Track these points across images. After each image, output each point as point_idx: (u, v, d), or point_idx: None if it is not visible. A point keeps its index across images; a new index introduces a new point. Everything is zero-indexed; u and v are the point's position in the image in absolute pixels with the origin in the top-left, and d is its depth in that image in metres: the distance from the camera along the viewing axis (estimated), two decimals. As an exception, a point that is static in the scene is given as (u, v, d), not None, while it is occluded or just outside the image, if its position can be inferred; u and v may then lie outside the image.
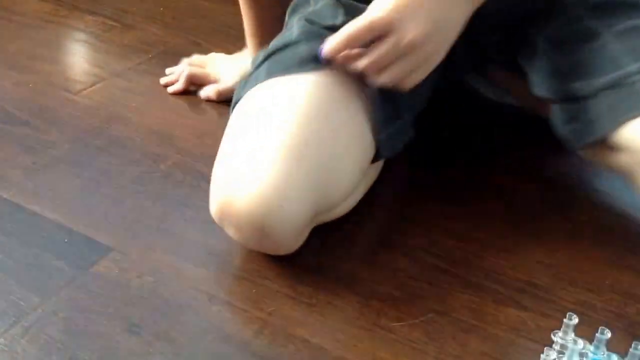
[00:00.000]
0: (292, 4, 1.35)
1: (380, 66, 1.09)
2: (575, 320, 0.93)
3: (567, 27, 1.20)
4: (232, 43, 1.75)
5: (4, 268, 1.12)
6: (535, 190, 1.31)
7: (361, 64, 1.10)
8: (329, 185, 1.10)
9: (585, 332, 1.00)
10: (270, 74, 1.15)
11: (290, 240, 1.10)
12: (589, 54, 1.16)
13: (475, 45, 1.32)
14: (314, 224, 1.15)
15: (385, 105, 1.16)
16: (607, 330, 0.92)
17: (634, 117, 1.08)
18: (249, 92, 1.16)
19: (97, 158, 1.37)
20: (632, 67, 1.10)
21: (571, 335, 0.94)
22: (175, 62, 1.68)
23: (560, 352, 0.94)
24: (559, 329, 0.95)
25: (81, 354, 0.99)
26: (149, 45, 1.76)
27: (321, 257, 1.17)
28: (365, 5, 1.21)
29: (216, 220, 1.12)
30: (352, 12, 1.22)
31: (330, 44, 1.10)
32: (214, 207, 1.10)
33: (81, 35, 1.81)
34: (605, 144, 1.14)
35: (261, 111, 1.12)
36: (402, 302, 1.09)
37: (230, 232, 1.11)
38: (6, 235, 1.18)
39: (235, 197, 1.06)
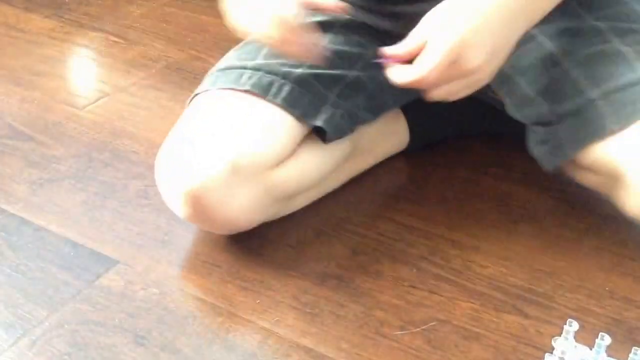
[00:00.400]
0: None
1: (438, 85, 1.09)
2: (576, 326, 0.93)
3: (529, 55, 1.20)
4: (233, 57, 1.76)
5: (11, 282, 1.13)
6: (535, 199, 1.31)
7: (419, 82, 1.08)
8: (241, 149, 1.13)
9: (586, 338, 0.99)
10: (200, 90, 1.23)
11: (220, 199, 1.12)
12: (551, 81, 1.17)
13: None
14: (262, 192, 1.15)
15: (299, 97, 1.18)
16: (607, 336, 0.91)
17: (596, 141, 1.11)
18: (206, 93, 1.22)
19: (102, 172, 1.37)
20: (593, 93, 1.11)
21: (571, 341, 0.94)
22: (177, 76, 1.69)
23: (561, 358, 0.93)
24: (560, 336, 0.94)
25: (88, 366, 1.00)
26: (151, 61, 1.76)
27: (324, 267, 1.17)
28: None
29: (164, 198, 1.18)
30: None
31: (404, 79, 1.08)
32: (161, 187, 1.17)
33: (85, 52, 1.82)
34: (575, 165, 1.17)
35: (193, 110, 1.20)
36: (404, 311, 1.09)
37: (178, 213, 1.16)
38: (13, 250, 1.19)
39: (166, 171, 1.15)
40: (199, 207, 1.12)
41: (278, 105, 1.16)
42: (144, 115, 1.55)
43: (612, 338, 0.92)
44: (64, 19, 1.94)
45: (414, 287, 1.14)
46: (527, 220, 1.27)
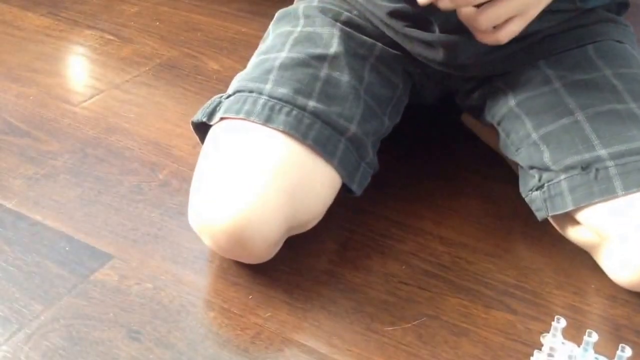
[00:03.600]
0: (278, 14, 1.33)
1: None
2: (563, 323, 0.92)
3: (542, 99, 1.18)
4: (225, 55, 1.75)
5: (7, 276, 1.11)
6: (522, 197, 1.29)
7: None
8: (299, 210, 1.09)
9: (574, 334, 0.99)
10: (248, 114, 1.12)
11: (265, 252, 1.09)
12: (560, 130, 1.14)
13: (446, 89, 1.33)
14: (287, 236, 1.14)
15: (349, 158, 1.14)
16: (594, 332, 0.91)
17: (602, 201, 1.07)
18: (227, 121, 1.14)
19: (96, 168, 1.35)
20: (602, 152, 1.08)
21: (559, 338, 0.93)
22: (170, 74, 1.67)
23: (549, 355, 0.92)
24: (548, 332, 0.93)
25: (83, 360, 0.98)
26: (145, 58, 1.75)
27: (315, 263, 1.16)
28: (360, 36, 1.20)
29: (195, 230, 1.11)
30: (347, 41, 1.21)
31: None
32: (195, 222, 1.09)
33: (80, 49, 1.80)
34: (568, 217, 1.14)
35: (239, 146, 1.10)
36: (394, 307, 1.08)
37: (206, 241, 1.10)
38: (8, 244, 1.17)
39: (216, 213, 1.05)
40: (239, 253, 1.08)
41: (332, 166, 1.12)
42: (138, 112, 1.53)
43: (599, 335, 0.91)
44: (59, 17, 1.94)
45: (403, 283, 1.12)
46: (514, 218, 1.25)
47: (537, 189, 1.15)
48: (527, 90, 1.20)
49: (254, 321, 1.05)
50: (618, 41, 1.23)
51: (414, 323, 1.05)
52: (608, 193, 1.06)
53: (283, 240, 1.12)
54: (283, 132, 1.09)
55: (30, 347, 0.99)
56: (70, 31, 1.87)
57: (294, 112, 1.11)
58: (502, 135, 1.24)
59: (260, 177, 1.05)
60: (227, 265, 1.14)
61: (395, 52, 1.26)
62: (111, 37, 1.84)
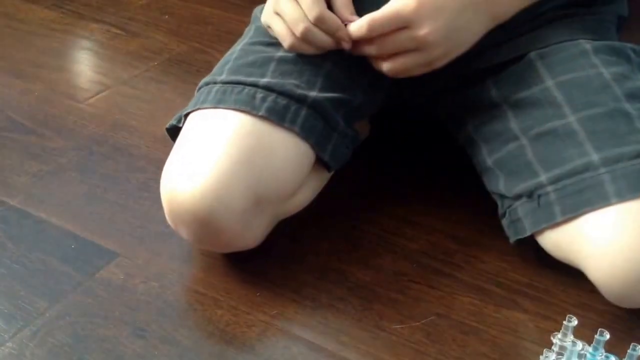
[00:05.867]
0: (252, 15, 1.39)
1: (390, 54, 1.16)
2: (575, 322, 0.95)
3: (491, 125, 1.23)
4: (236, 50, 1.78)
5: (12, 273, 1.16)
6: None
7: (373, 49, 1.17)
8: (263, 177, 1.12)
9: (585, 333, 1.02)
10: (203, 102, 1.19)
11: (238, 231, 1.12)
12: (509, 156, 1.19)
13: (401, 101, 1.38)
14: (272, 220, 1.18)
15: (314, 125, 1.18)
16: (606, 331, 0.94)
17: (548, 228, 1.13)
18: (188, 117, 1.20)
19: (102, 165, 1.40)
20: (543, 177, 1.13)
21: (570, 337, 0.96)
22: (180, 69, 1.72)
23: (560, 354, 0.96)
24: (559, 331, 0.97)
25: (88, 358, 1.03)
26: (153, 53, 1.79)
27: (324, 261, 1.21)
28: None
29: (170, 224, 1.15)
30: None
31: (352, 28, 1.15)
32: (168, 217, 1.14)
33: (86, 43, 1.85)
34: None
35: (192, 132, 1.16)
36: (403, 305, 1.13)
37: (183, 233, 1.14)
38: (14, 242, 1.22)
39: (178, 193, 1.10)
40: (212, 235, 1.12)
41: (295, 132, 1.16)
42: (146, 108, 1.58)
43: (611, 334, 0.95)
44: (64, 10, 1.98)
45: (414, 281, 1.17)
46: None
47: (502, 216, 1.22)
48: (479, 114, 1.26)
49: (261, 318, 1.10)
50: (569, 39, 1.23)
51: (422, 321, 1.10)
52: (550, 219, 1.12)
53: (264, 221, 1.16)
54: (234, 109, 1.15)
55: (35, 344, 1.05)
56: (76, 25, 1.92)
57: (246, 90, 1.16)
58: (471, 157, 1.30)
59: (213, 149, 1.11)
60: (234, 263, 1.19)
61: None
62: (118, 31, 1.89)
